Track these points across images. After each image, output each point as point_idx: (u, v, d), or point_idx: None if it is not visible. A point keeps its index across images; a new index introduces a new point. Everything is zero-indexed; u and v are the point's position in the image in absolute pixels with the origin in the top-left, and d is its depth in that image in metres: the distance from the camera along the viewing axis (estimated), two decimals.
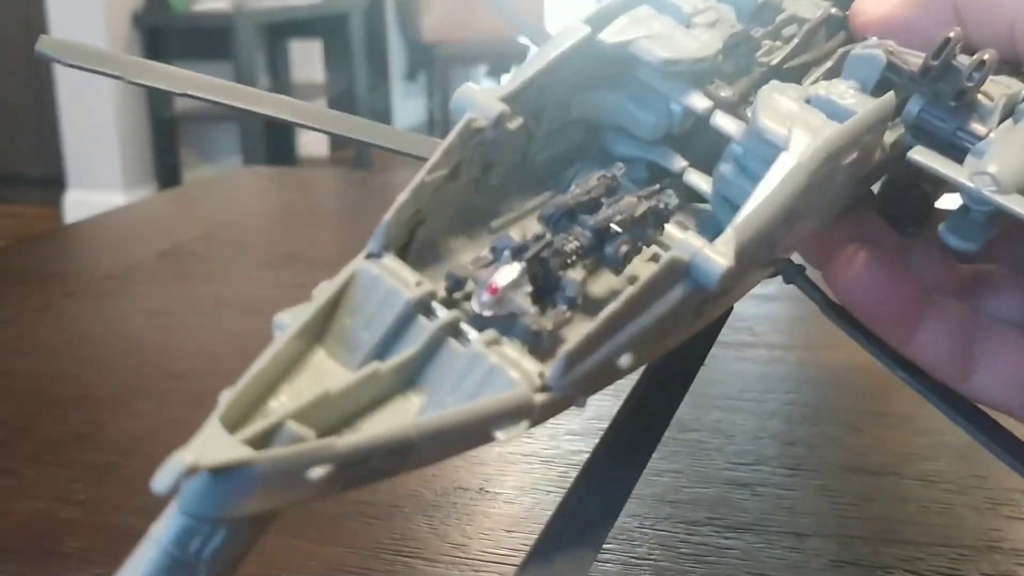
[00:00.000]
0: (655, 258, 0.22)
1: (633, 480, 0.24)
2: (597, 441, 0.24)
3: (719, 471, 0.35)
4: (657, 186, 0.21)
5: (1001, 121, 0.22)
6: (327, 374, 0.18)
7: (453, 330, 0.19)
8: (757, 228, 0.19)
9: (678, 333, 0.21)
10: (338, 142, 3.08)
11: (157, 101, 2.82)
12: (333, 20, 3.21)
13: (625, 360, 0.19)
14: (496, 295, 0.19)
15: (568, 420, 0.39)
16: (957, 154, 0.22)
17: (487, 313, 0.19)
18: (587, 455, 0.37)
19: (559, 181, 0.23)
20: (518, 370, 0.18)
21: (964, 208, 0.21)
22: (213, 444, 0.15)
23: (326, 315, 0.19)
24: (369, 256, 0.19)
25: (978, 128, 0.22)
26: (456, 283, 0.19)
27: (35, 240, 0.72)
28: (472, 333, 0.19)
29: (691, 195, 0.23)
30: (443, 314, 0.19)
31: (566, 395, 0.19)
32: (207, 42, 2.78)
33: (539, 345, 0.19)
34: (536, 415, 0.18)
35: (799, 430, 0.38)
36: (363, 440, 0.16)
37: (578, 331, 0.18)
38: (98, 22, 2.67)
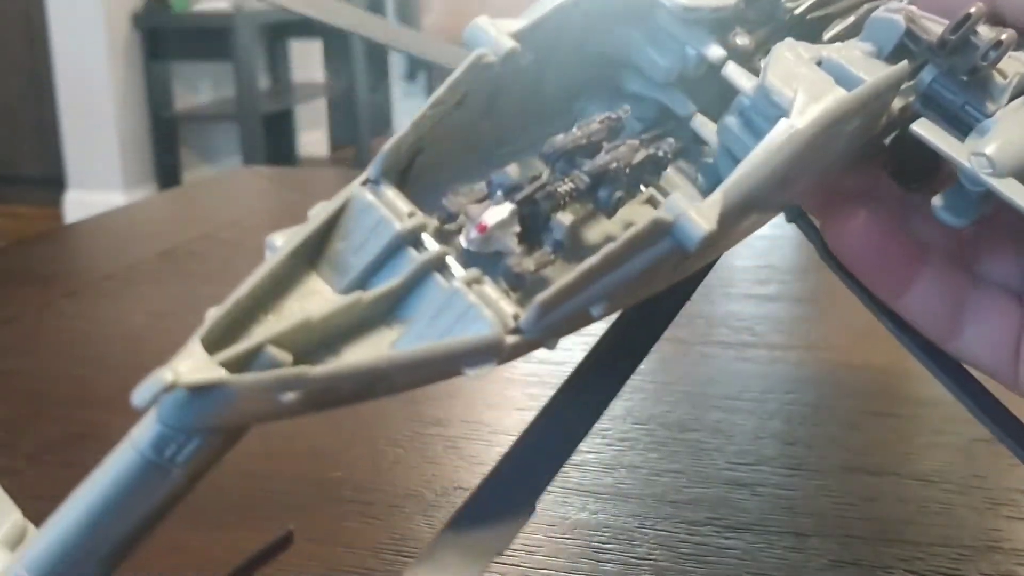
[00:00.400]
0: (651, 201, 0.22)
1: (589, 423, 0.24)
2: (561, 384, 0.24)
3: (719, 471, 0.35)
4: (658, 131, 0.21)
5: (1012, 99, 0.22)
6: (315, 295, 0.19)
7: (438, 264, 0.19)
8: (746, 192, 0.19)
9: (656, 285, 0.21)
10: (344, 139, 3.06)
11: (157, 101, 2.82)
12: None
13: (598, 309, 0.20)
14: (484, 234, 0.19)
15: None
16: (963, 128, 0.22)
17: (473, 249, 0.19)
18: (587, 455, 0.37)
19: (569, 111, 0.23)
20: (494, 310, 0.18)
21: (959, 184, 0.22)
22: (192, 364, 0.16)
23: (320, 237, 0.19)
24: (366, 182, 0.19)
25: (987, 105, 0.22)
26: (448, 216, 0.20)
27: (35, 240, 0.72)
28: (457, 269, 0.19)
29: (699, 139, 0.23)
30: (431, 247, 0.19)
31: (537, 338, 0.19)
32: (207, 42, 2.78)
33: (520, 286, 0.19)
34: (505, 355, 0.19)
35: (799, 430, 0.38)
36: (335, 370, 0.17)
37: (562, 274, 0.19)
38: (98, 22, 2.67)
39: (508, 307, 0.19)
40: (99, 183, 2.77)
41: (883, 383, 0.43)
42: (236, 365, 0.17)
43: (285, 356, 0.17)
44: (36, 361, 0.47)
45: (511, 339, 0.18)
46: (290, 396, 0.16)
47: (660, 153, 0.21)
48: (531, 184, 0.20)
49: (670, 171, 0.22)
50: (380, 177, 0.19)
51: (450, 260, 0.19)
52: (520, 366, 0.45)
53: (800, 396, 0.41)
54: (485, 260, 0.19)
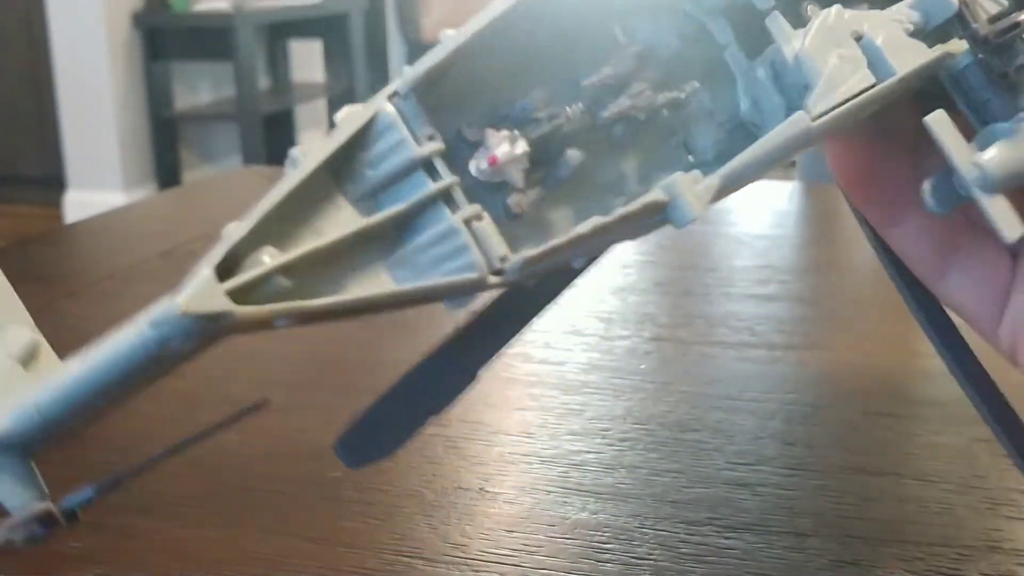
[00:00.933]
0: (668, 140, 0.23)
1: (543, 303, 0.24)
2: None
3: (719, 471, 0.35)
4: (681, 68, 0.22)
5: None
6: (331, 210, 0.20)
7: (445, 196, 0.20)
8: (743, 175, 0.20)
9: (636, 237, 0.22)
10: None
11: (157, 101, 2.82)
12: (333, 20, 3.21)
13: (580, 262, 0.21)
14: (494, 166, 0.20)
15: (568, 420, 0.39)
16: (981, 119, 0.22)
17: (481, 179, 0.20)
18: (587, 455, 0.38)
19: (613, 35, 0.23)
20: (484, 251, 0.19)
21: (950, 177, 0.22)
22: (200, 292, 0.18)
23: (344, 151, 0.20)
24: (393, 95, 0.20)
25: (1010, 109, 0.22)
26: (464, 143, 0.20)
27: (35, 240, 0.72)
28: (461, 200, 0.20)
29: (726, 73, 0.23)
30: (442, 175, 0.20)
31: (518, 280, 0.20)
32: (207, 42, 2.78)
33: (517, 222, 0.20)
34: (487, 292, 0.20)
35: (799, 430, 0.38)
36: (332, 302, 0.18)
37: (560, 211, 0.20)
38: (98, 22, 2.67)
39: (499, 246, 0.20)
40: (99, 183, 2.77)
41: (883, 383, 0.43)
42: (242, 295, 0.18)
43: (289, 285, 0.18)
44: None
45: (493, 279, 0.20)
46: (284, 322, 0.18)
47: (683, 95, 0.22)
48: (550, 122, 0.21)
49: (692, 105, 0.22)
50: (409, 92, 0.20)
51: (456, 192, 0.20)
52: (520, 366, 0.45)
53: (800, 396, 0.41)
54: (489, 189, 0.20)
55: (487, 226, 0.20)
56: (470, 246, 0.19)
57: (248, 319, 0.18)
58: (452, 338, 0.24)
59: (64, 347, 0.45)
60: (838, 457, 0.37)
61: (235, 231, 0.18)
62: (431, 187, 0.20)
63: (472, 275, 0.19)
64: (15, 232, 2.58)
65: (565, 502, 0.34)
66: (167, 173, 2.87)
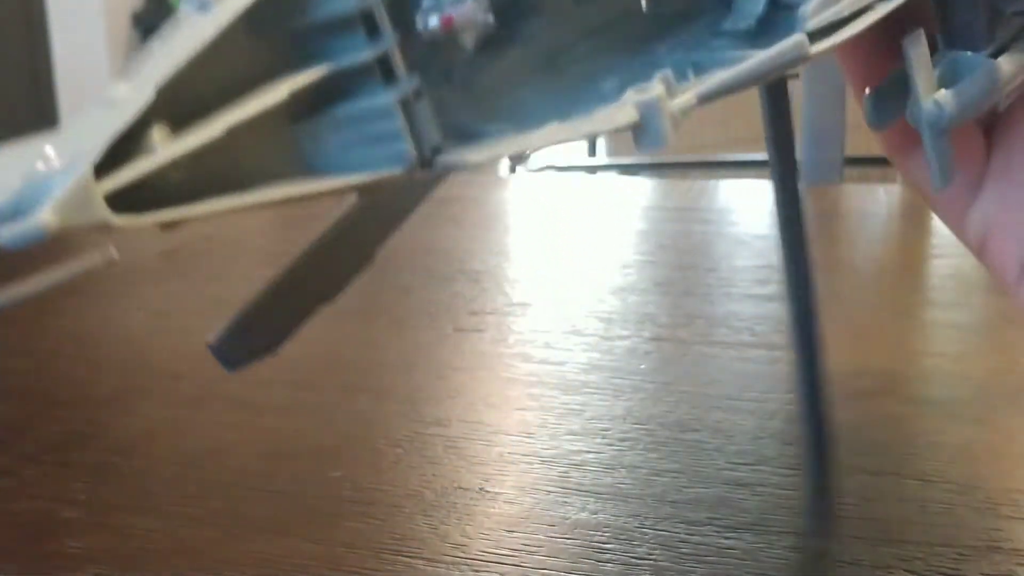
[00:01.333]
0: None
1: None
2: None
3: (719, 471, 0.35)
4: None
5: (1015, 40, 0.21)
6: (246, 71, 0.16)
7: (382, 61, 0.16)
8: (724, 91, 0.18)
9: None
10: None
11: None
12: None
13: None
14: (448, 27, 0.17)
15: (568, 420, 0.39)
16: (947, 39, 0.21)
17: (424, 37, 0.17)
18: (587, 455, 0.38)
19: None
20: (417, 140, 0.16)
21: (897, 91, 0.21)
22: (76, 199, 0.14)
23: None
24: None
25: (981, 42, 0.21)
26: None
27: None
28: (400, 70, 0.16)
29: None
30: (385, 38, 0.16)
31: (447, 171, 0.17)
32: None
33: (447, 86, 0.18)
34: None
35: (799, 430, 0.38)
36: (235, 204, 0.15)
37: (503, 83, 0.17)
38: (98, 22, 2.67)
39: (434, 133, 0.17)
40: None
41: (883, 383, 0.43)
42: (122, 196, 0.14)
43: (180, 177, 0.15)
44: (36, 361, 0.47)
45: (421, 173, 0.17)
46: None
47: None
48: None
49: None
50: None
51: (395, 56, 0.16)
52: (520, 366, 0.45)
53: None
54: (428, 49, 0.17)
55: (424, 108, 0.16)
56: (403, 134, 0.16)
57: (126, 230, 0.14)
58: (348, 218, 0.22)
59: (64, 347, 0.45)
60: (838, 457, 0.37)
61: (126, 99, 0.14)
62: (368, 53, 0.16)
63: (397, 168, 0.16)
64: None
65: (565, 502, 0.34)
66: None
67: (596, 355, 0.46)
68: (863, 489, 0.34)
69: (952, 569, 0.30)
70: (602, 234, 0.68)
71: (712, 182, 0.81)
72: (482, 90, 0.18)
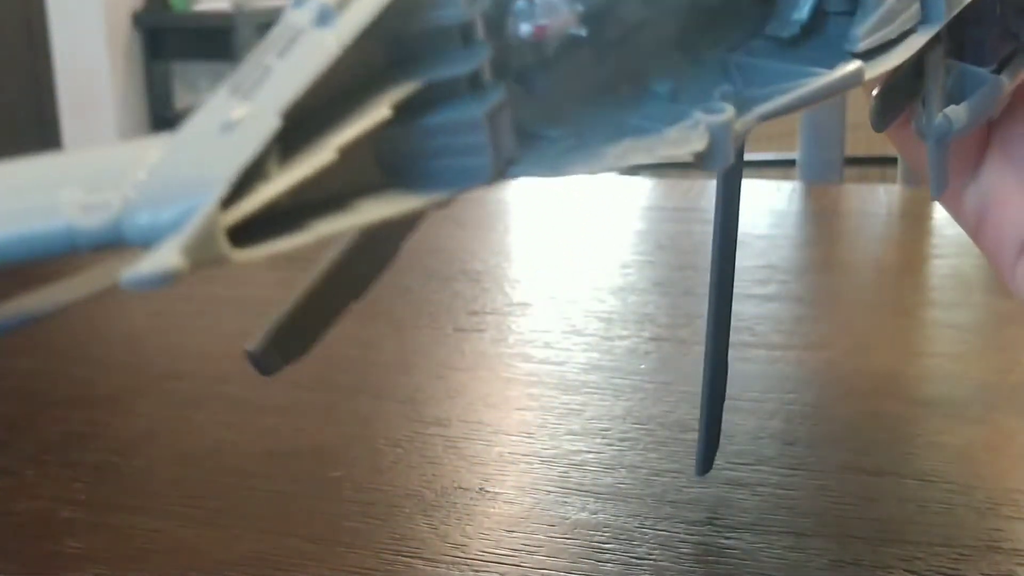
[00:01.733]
0: None
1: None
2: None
3: (719, 471, 0.35)
4: None
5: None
6: (361, 91, 0.15)
7: (471, 78, 0.16)
8: (781, 113, 0.18)
9: None
10: None
11: (158, 101, 2.82)
12: None
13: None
14: (539, 36, 0.16)
15: (568, 420, 0.39)
16: (956, 53, 0.22)
17: (512, 43, 0.16)
18: (587, 455, 0.38)
19: None
20: (497, 154, 0.16)
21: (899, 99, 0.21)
22: (202, 236, 0.13)
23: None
24: None
25: (989, 58, 0.22)
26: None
27: None
28: (487, 80, 0.16)
29: None
30: (482, 52, 0.16)
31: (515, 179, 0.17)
32: (207, 42, 2.78)
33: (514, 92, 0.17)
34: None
35: (799, 430, 0.38)
36: (341, 226, 0.15)
37: (567, 98, 0.17)
38: (98, 22, 2.67)
39: (511, 146, 0.16)
40: None
41: (883, 383, 0.43)
42: (240, 232, 0.13)
43: (289, 203, 0.14)
44: (36, 361, 0.47)
45: (496, 182, 0.16)
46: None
47: None
48: None
49: None
50: None
51: (484, 67, 0.16)
52: (520, 366, 0.45)
53: (800, 396, 0.41)
54: (510, 54, 0.17)
55: (507, 119, 0.16)
56: (487, 146, 0.16)
57: (241, 263, 0.14)
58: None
59: (64, 347, 0.45)
60: (838, 457, 0.37)
61: (246, 124, 0.14)
62: (465, 66, 0.16)
63: (480, 182, 0.16)
64: None
65: (565, 502, 0.34)
66: None
67: (596, 355, 0.46)
68: (863, 489, 0.34)
69: (952, 569, 0.30)
70: (602, 234, 0.68)
71: (712, 182, 0.81)
72: (544, 91, 0.17)
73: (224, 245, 0.13)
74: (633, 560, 0.31)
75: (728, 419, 0.39)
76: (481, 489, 0.35)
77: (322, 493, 0.35)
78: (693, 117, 0.17)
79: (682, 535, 0.32)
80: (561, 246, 0.65)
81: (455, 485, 0.35)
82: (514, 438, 0.38)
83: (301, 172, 0.14)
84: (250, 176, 0.14)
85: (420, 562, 0.31)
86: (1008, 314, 0.50)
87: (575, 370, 0.44)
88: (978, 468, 0.35)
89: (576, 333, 0.48)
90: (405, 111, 0.16)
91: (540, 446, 0.38)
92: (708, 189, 0.79)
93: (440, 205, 0.16)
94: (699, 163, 0.17)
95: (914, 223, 0.68)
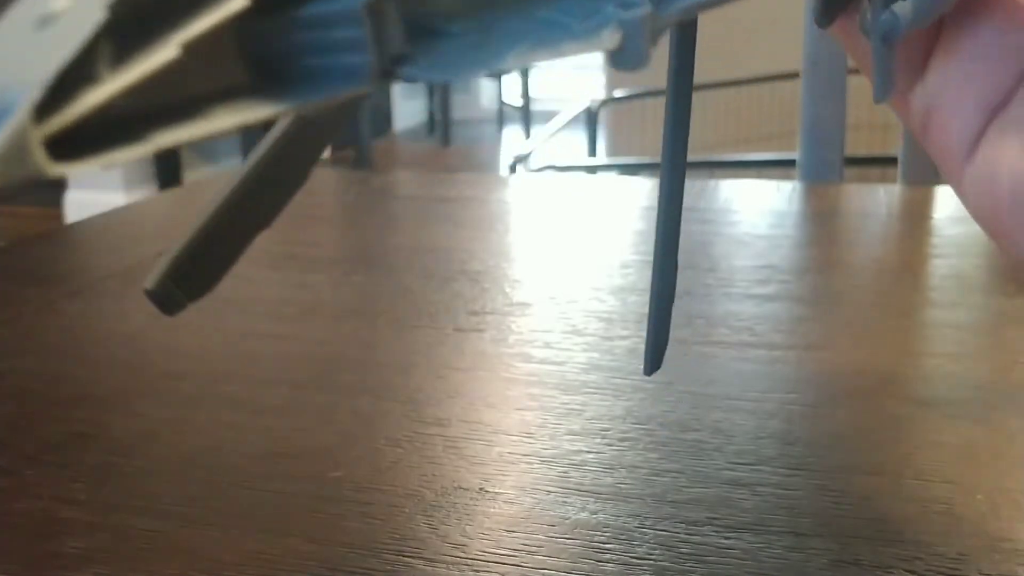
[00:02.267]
0: None
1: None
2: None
3: (719, 471, 0.35)
4: None
5: None
6: None
7: None
8: (700, 8, 0.17)
9: None
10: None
11: None
12: None
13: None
14: None
15: (568, 420, 0.39)
16: None
17: None
18: (587, 455, 0.38)
19: None
20: (378, 47, 0.14)
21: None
22: (13, 147, 0.11)
23: None
24: None
25: None
26: None
27: (35, 240, 0.72)
28: None
29: None
30: None
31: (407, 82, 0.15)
32: None
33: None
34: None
35: (799, 430, 0.38)
36: (186, 134, 0.13)
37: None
38: None
39: (399, 41, 0.14)
40: (99, 183, 2.77)
41: (883, 383, 0.43)
42: (60, 142, 0.12)
43: (124, 106, 0.12)
44: (36, 361, 0.47)
45: (375, 84, 0.14)
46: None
47: None
48: None
49: None
50: None
51: None
52: (520, 366, 0.45)
53: (800, 396, 0.41)
54: None
55: (392, 10, 0.14)
56: (368, 42, 0.14)
57: (61, 175, 0.12)
58: (283, 139, 0.21)
59: (64, 347, 0.45)
60: (838, 457, 0.37)
61: (67, 15, 0.12)
62: None
63: (357, 86, 0.14)
64: (16, 232, 2.58)
65: (565, 502, 0.34)
66: (167, 173, 2.87)
67: (596, 355, 0.46)
68: (863, 489, 0.34)
69: (952, 569, 0.30)
70: (602, 234, 0.68)
71: (712, 182, 0.81)
72: None
73: (40, 157, 0.11)
74: (633, 560, 0.31)
75: (728, 419, 0.39)
76: (481, 489, 0.35)
77: (322, 493, 0.35)
78: (605, 12, 0.16)
79: (682, 535, 0.32)
80: (561, 246, 0.65)
81: (455, 485, 0.35)
82: (514, 438, 0.38)
83: (135, 73, 0.12)
84: (73, 79, 0.12)
85: (420, 562, 0.31)
86: (1008, 314, 0.50)
87: (575, 370, 0.44)
88: (978, 468, 0.35)
89: (576, 333, 0.48)
90: (274, 1, 0.14)
91: (540, 446, 0.38)
92: (708, 189, 0.79)
93: (314, 110, 0.14)
94: (611, 62, 0.16)
95: (914, 223, 0.69)
